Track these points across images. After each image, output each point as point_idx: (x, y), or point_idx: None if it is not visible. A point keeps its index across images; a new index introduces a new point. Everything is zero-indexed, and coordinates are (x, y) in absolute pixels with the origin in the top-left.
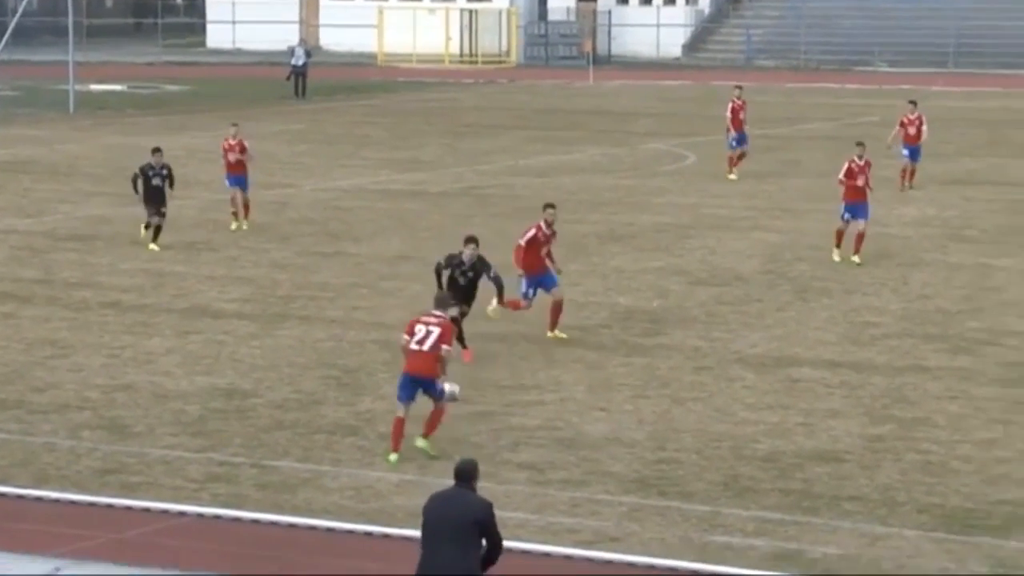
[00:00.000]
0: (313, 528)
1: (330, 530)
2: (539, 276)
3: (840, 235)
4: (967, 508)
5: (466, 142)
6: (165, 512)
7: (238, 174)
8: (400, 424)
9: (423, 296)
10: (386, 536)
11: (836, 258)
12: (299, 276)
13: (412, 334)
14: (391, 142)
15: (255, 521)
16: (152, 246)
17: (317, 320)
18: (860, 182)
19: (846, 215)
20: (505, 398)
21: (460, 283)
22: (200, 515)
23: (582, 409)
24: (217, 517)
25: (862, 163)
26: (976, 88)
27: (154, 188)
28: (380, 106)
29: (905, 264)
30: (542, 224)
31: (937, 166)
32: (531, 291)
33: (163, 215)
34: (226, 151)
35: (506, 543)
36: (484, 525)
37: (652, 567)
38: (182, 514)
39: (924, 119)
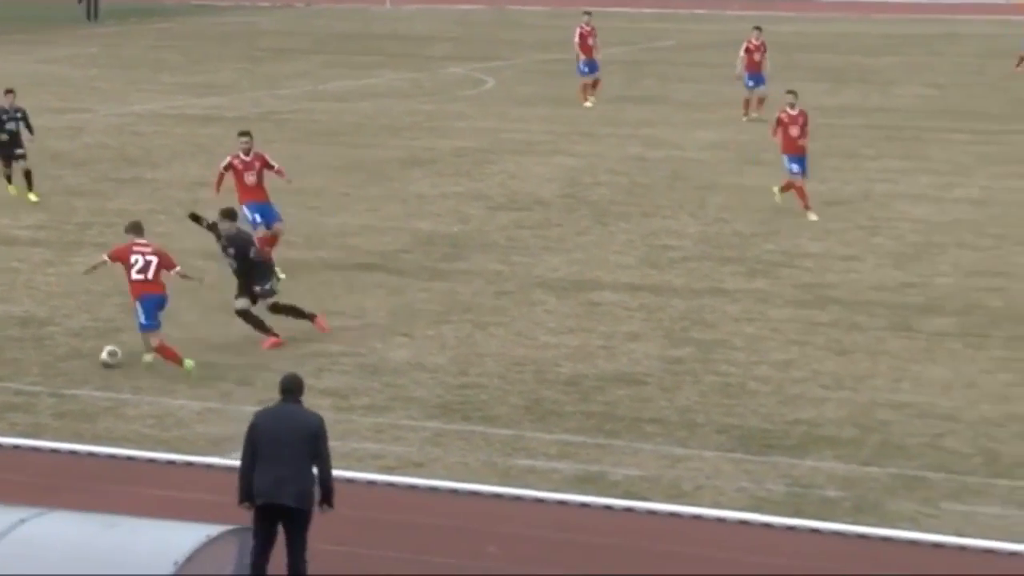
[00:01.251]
0: (114, 457)
1: (131, 458)
2: (260, 204)
3: (796, 187)
4: (764, 428)
5: (263, 66)
6: None
7: None
8: (168, 347)
9: None
10: (189, 464)
11: (813, 217)
12: (95, 203)
13: (128, 262)
14: (187, 66)
15: (54, 451)
16: (31, 196)
17: (114, 247)
18: (794, 132)
19: (793, 167)
20: (307, 324)
21: (232, 267)
22: None
23: (384, 335)
24: (16, 447)
25: (795, 112)
26: (770, 12)
27: (8, 132)
28: (175, 30)
29: (702, 187)
30: (240, 153)
31: (733, 90)
32: (256, 217)
33: (23, 158)
34: None
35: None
36: (320, 439)
37: (455, 491)
38: None
39: (767, 45)
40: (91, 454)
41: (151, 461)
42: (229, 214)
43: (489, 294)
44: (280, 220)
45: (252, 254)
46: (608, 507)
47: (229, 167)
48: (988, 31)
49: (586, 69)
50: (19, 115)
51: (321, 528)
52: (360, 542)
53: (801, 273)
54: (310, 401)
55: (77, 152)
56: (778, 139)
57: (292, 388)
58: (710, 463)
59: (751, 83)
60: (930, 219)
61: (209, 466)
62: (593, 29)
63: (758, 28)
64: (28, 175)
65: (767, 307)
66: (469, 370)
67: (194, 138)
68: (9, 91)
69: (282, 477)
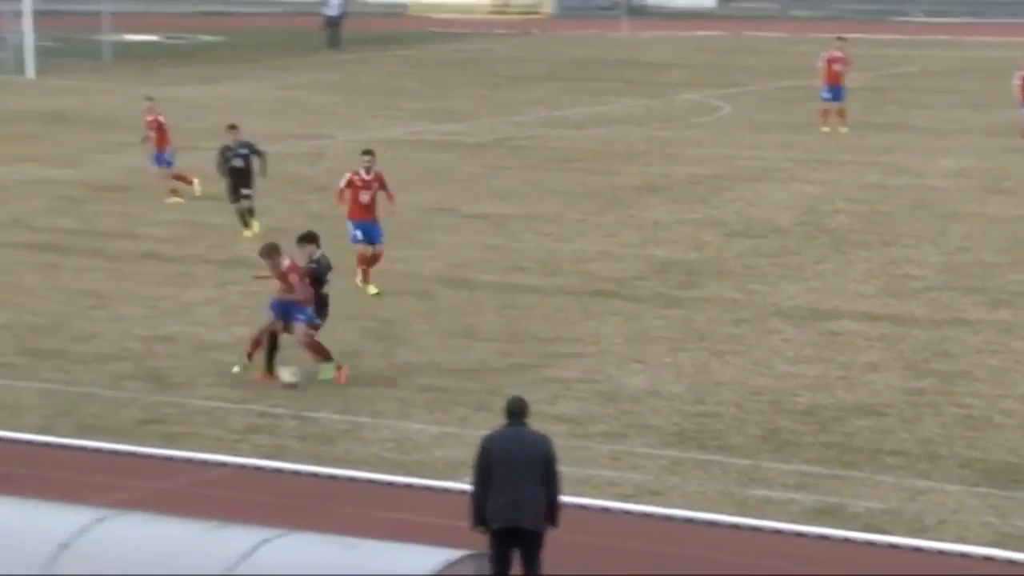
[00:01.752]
0: (354, 479)
1: (371, 482)
2: (365, 223)
3: None
4: (1010, 462)
5: (500, 93)
6: (206, 463)
7: (158, 150)
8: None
9: (459, 248)
10: (426, 488)
11: None
12: (335, 227)
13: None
14: (425, 93)
15: (296, 472)
16: (247, 232)
17: (353, 272)
18: None
19: None
20: (543, 350)
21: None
22: (241, 466)
23: (620, 361)
24: (258, 468)
25: None
26: (1015, 38)
27: (234, 170)
28: (413, 56)
29: (944, 216)
30: (360, 171)
31: (976, 117)
32: (358, 233)
33: (248, 197)
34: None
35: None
36: (552, 460)
37: (692, 521)
38: (223, 465)
39: None
40: (332, 476)
41: (389, 484)
42: (313, 238)
43: (726, 322)
44: (382, 242)
45: (327, 279)
46: (848, 540)
47: (349, 184)
48: None
49: (828, 95)
50: (245, 151)
51: (556, 554)
52: (596, 569)
53: None
54: (545, 427)
55: (318, 177)
56: None
57: (519, 411)
58: (954, 497)
59: None
60: None
61: (446, 490)
62: (844, 56)
63: None
64: (250, 212)
65: (1012, 338)
66: (706, 398)
67: (431, 164)
68: (232, 127)
69: (519, 500)
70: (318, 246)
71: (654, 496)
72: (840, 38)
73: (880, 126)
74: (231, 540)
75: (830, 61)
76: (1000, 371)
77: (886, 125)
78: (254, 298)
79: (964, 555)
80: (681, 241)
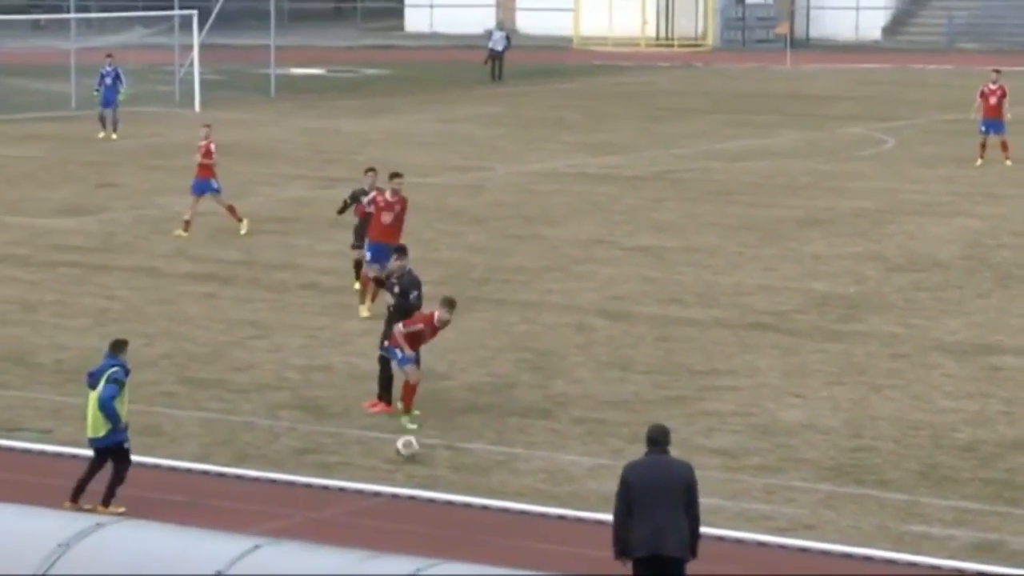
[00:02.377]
0: (507, 511)
1: (523, 513)
2: (380, 244)
3: None
4: None
5: (661, 126)
6: (360, 492)
7: (202, 178)
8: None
9: (617, 280)
10: (579, 520)
11: None
12: (493, 259)
13: None
14: (586, 125)
15: (449, 503)
16: (357, 284)
17: (511, 303)
18: None
19: None
20: (698, 383)
21: (389, 305)
22: (395, 496)
23: (777, 395)
24: (411, 498)
25: None
26: None
27: (367, 215)
28: (576, 89)
29: None
30: (387, 192)
31: None
32: (368, 254)
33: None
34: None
35: (700, 529)
36: (694, 487)
37: (848, 555)
38: (377, 495)
39: None
40: (485, 507)
41: (542, 516)
42: (402, 251)
43: (885, 356)
44: None
45: (412, 298)
46: None
47: (372, 202)
48: None
49: (984, 128)
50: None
51: None
52: None
53: None
54: (699, 460)
55: (477, 209)
56: None
57: (660, 439)
58: None
59: None
60: None
61: (599, 522)
62: (999, 88)
63: None
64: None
65: None
66: (863, 433)
67: (591, 196)
68: (370, 169)
69: (662, 528)
70: (405, 257)
71: (809, 530)
72: (996, 70)
73: None
74: (384, 570)
75: (985, 94)
76: None
77: None
78: None
79: None
80: (841, 275)
